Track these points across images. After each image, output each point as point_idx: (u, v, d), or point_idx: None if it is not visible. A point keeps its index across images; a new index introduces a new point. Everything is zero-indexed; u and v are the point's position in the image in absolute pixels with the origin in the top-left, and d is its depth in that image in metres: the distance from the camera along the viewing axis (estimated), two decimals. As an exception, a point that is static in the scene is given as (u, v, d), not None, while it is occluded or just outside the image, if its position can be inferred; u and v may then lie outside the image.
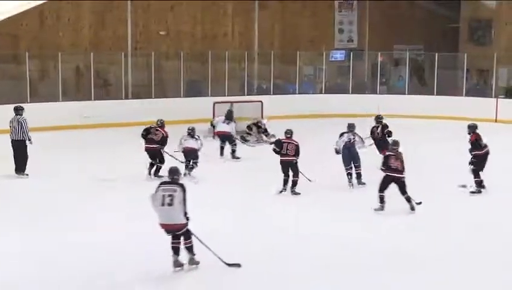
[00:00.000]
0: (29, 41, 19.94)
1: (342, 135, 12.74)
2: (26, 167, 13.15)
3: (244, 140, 16.82)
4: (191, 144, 13.38)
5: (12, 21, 19.64)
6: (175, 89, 21.52)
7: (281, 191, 12.03)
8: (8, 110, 17.38)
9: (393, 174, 10.70)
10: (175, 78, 21.48)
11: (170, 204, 7.99)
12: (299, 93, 22.90)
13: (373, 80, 24.03)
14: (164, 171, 11.51)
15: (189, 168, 13.20)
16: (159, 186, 8.21)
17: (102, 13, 20.96)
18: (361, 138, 12.89)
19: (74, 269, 8.35)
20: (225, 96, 20.84)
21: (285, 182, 12.05)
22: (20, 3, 19.58)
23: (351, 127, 12.76)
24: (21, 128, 13.10)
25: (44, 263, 8.58)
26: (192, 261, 8.30)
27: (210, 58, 21.45)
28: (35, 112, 15.55)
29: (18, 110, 13.35)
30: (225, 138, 15.33)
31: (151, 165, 13.25)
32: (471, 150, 12.05)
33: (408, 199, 10.83)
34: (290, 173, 12.03)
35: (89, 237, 9.40)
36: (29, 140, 13.09)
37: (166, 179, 8.44)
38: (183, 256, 8.30)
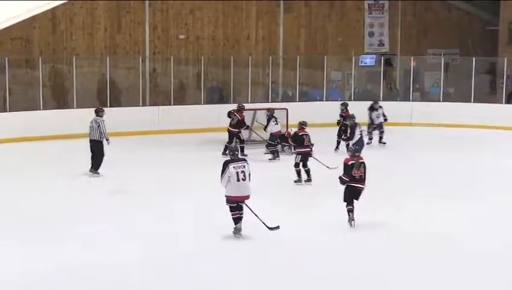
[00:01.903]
0: (42, 45, 19.38)
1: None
2: (100, 166, 13.75)
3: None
4: (278, 128, 15.10)
5: (24, 25, 19.09)
6: (195, 96, 20.82)
7: (297, 181, 12.88)
8: (21, 117, 17.23)
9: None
10: (195, 84, 20.89)
11: (244, 179, 9.40)
12: (326, 100, 21.95)
13: (405, 87, 22.93)
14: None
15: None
16: (227, 165, 9.39)
17: (118, 16, 20.30)
18: None
19: None
20: (248, 103, 19.96)
21: (300, 173, 12.87)
22: (33, 6, 18.87)
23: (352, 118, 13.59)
24: (98, 128, 13.75)
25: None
26: (236, 230, 9.59)
27: (232, 64, 20.79)
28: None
29: (98, 112, 14.07)
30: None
31: (225, 147, 14.87)
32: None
33: None
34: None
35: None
36: (107, 140, 13.75)
37: (233, 157, 9.59)
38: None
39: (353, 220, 10.10)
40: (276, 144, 15.58)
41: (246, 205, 9.50)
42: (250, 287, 8.01)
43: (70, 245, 9.19)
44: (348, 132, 15.38)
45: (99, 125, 13.79)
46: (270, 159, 15.38)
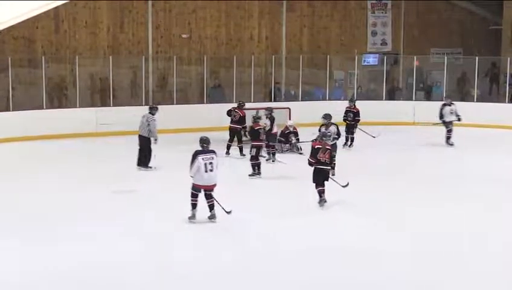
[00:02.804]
0: (44, 45, 19.36)
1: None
2: (150, 161, 14.05)
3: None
4: (275, 128, 14.71)
5: (27, 24, 19.03)
6: (198, 95, 20.72)
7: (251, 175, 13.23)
8: (24, 116, 17.25)
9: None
10: (198, 83, 20.80)
11: (211, 170, 9.82)
12: (329, 100, 21.85)
13: (408, 86, 22.85)
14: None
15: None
16: (196, 156, 9.81)
17: (121, 15, 20.26)
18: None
19: None
20: (251, 102, 19.85)
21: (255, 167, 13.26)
22: (36, 6, 18.84)
23: (327, 117, 13.24)
24: (148, 126, 13.95)
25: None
26: (214, 217, 10.02)
27: (235, 63, 20.71)
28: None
29: (151, 110, 14.33)
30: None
31: (228, 146, 15.19)
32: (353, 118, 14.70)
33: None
34: None
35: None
36: (155, 140, 13.95)
37: (204, 147, 9.97)
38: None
39: (325, 201, 10.88)
40: (274, 144, 15.26)
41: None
42: (250, 287, 8.00)
43: (70, 245, 9.18)
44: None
45: (149, 124, 13.97)
46: (267, 160, 14.76)
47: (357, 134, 16.71)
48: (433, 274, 8.30)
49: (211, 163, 9.84)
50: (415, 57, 22.42)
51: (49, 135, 17.52)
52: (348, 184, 11.51)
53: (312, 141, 11.75)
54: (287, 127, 16.34)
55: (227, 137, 15.99)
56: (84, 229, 9.86)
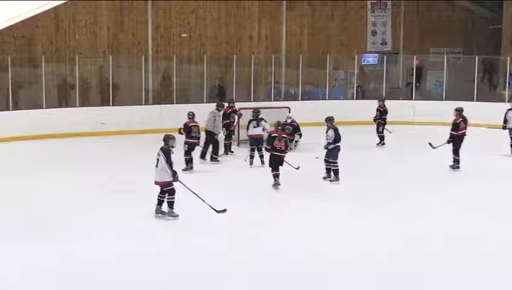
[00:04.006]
0: (45, 44, 19.40)
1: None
2: (218, 153, 14.93)
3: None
4: (258, 131, 14.26)
5: (27, 24, 19.06)
6: (197, 95, 20.73)
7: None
8: (24, 115, 17.30)
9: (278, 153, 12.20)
10: (198, 83, 20.76)
11: (156, 165, 10.26)
12: (328, 99, 21.87)
13: (408, 85, 22.85)
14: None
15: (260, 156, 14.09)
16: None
17: (121, 15, 20.28)
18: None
19: None
20: (251, 102, 19.98)
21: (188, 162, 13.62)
22: (36, 5, 18.85)
23: (328, 120, 13.09)
24: (214, 121, 14.76)
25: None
26: (171, 214, 10.31)
27: (235, 62, 20.71)
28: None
29: (218, 106, 15.25)
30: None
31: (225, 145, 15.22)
32: (451, 130, 13.87)
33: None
34: None
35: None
36: (218, 134, 14.75)
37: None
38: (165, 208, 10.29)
39: (279, 184, 12.03)
40: (253, 148, 14.40)
41: (192, 191, 10.28)
42: (250, 287, 8.02)
43: (69, 245, 9.18)
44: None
45: (215, 119, 14.75)
46: (245, 161, 14.27)
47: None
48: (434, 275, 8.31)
49: (157, 159, 10.23)
50: (414, 57, 22.43)
51: (49, 134, 17.54)
52: (299, 167, 12.81)
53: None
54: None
55: (227, 137, 16.02)
56: (83, 229, 9.87)
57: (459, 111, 14.02)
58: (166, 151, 10.22)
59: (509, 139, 15.57)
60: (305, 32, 22.87)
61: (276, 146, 12.18)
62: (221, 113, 15.13)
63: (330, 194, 12.29)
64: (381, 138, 16.98)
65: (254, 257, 8.91)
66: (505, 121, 15.61)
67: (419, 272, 8.38)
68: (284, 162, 12.38)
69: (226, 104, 15.99)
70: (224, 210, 10.36)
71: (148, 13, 20.53)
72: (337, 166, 12.77)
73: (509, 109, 15.67)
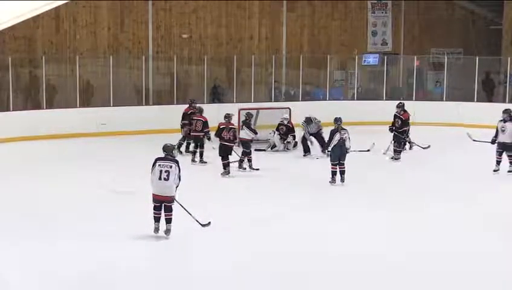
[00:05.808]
0: (45, 45, 19.36)
1: (335, 132, 12.68)
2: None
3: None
4: (245, 134, 14.14)
5: (27, 24, 19.03)
6: (198, 95, 20.56)
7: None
8: (24, 116, 17.30)
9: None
10: (198, 83, 20.76)
11: (166, 179, 9.19)
12: (329, 100, 21.87)
13: (409, 86, 22.84)
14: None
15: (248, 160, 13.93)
16: (156, 162, 9.35)
17: (121, 15, 20.27)
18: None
19: None
20: (251, 102, 20.03)
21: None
22: (36, 5, 18.86)
23: (338, 121, 12.78)
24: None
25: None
26: (169, 232, 9.31)
27: (235, 63, 20.71)
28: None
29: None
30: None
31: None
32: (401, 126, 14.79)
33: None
34: None
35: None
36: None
37: (165, 155, 9.47)
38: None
39: (228, 173, 13.12)
40: (247, 152, 14.01)
41: (177, 201, 9.33)
42: (252, 288, 8.01)
43: (69, 245, 9.18)
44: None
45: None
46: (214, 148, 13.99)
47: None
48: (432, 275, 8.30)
49: (166, 171, 9.20)
50: (415, 57, 22.43)
51: (49, 135, 17.54)
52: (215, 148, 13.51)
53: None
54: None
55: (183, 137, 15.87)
56: (83, 229, 9.86)
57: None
58: (178, 163, 9.40)
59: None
60: (305, 32, 22.86)
61: (224, 136, 13.20)
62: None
63: (330, 194, 12.28)
64: (405, 143, 15.59)
65: (255, 257, 8.89)
66: (496, 134, 13.88)
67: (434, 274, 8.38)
68: (233, 152, 13.34)
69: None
70: (209, 223, 9.70)
71: (149, 13, 20.51)
72: (335, 168, 12.69)
73: (501, 120, 13.93)
